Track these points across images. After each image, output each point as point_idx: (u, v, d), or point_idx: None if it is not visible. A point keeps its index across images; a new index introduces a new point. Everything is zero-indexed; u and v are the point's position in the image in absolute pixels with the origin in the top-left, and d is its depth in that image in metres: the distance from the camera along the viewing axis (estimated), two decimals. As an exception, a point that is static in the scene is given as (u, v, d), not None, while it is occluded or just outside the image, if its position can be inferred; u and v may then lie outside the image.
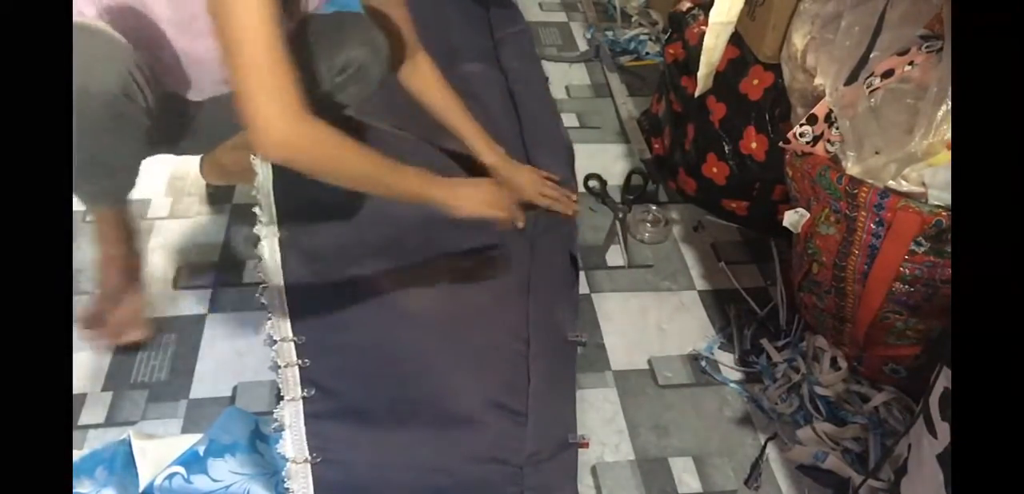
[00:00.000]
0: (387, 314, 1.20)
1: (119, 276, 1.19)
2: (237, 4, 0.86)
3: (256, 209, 1.32)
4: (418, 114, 1.36)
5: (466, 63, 1.70)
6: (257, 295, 1.22)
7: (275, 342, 1.14)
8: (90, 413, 1.10)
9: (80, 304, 1.24)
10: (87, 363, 1.16)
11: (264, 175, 1.36)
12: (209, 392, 1.14)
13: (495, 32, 1.90)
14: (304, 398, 1.07)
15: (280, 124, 0.88)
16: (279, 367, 1.11)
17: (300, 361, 1.11)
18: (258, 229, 1.30)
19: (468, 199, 1.10)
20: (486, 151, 1.36)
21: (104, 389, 1.13)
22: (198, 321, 1.25)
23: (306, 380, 1.09)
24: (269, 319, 1.18)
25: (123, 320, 1.19)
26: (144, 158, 1.13)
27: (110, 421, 1.09)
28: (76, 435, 1.07)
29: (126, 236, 1.20)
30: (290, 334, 1.15)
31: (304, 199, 1.32)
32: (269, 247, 1.27)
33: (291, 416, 1.05)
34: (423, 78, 1.31)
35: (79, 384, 1.13)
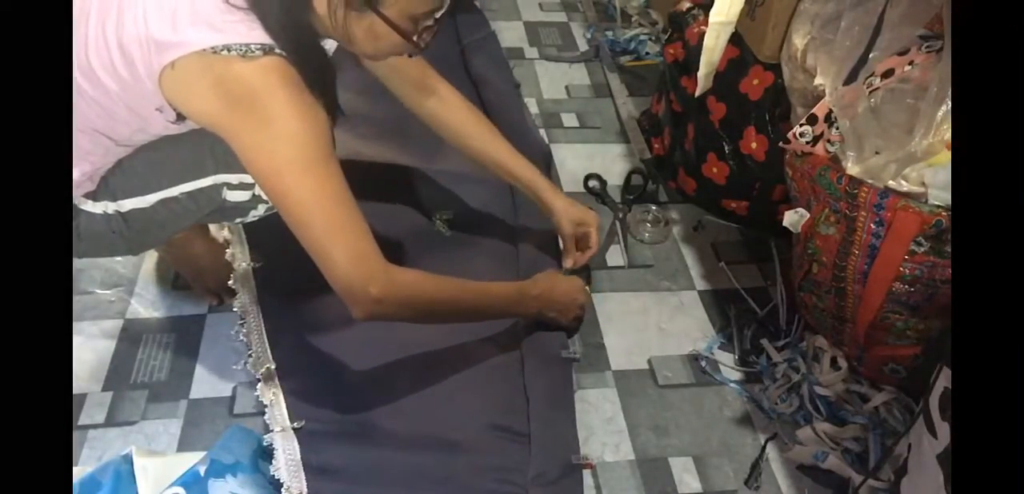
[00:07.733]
0: (374, 338, 1.18)
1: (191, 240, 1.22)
2: (306, 173, 0.85)
3: (226, 235, 1.31)
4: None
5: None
6: (234, 332, 1.20)
7: (258, 381, 1.12)
8: (90, 413, 1.10)
9: (80, 304, 1.24)
10: (87, 363, 1.16)
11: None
12: (209, 392, 1.14)
13: (462, 39, 1.88)
14: (294, 429, 1.05)
15: (370, 288, 0.91)
16: (265, 407, 1.08)
17: (287, 398, 1.09)
18: (230, 256, 1.28)
19: (563, 297, 1.20)
20: (548, 191, 1.27)
21: (104, 389, 1.13)
22: (198, 321, 1.24)
23: (296, 414, 1.07)
24: (250, 356, 1.15)
25: (217, 280, 1.23)
26: None
27: (110, 421, 1.09)
28: (76, 435, 1.07)
29: None
30: (272, 363, 1.13)
31: (276, 233, 1.32)
32: (243, 279, 1.25)
33: (285, 444, 1.03)
34: (454, 113, 1.24)
35: (79, 384, 1.13)
